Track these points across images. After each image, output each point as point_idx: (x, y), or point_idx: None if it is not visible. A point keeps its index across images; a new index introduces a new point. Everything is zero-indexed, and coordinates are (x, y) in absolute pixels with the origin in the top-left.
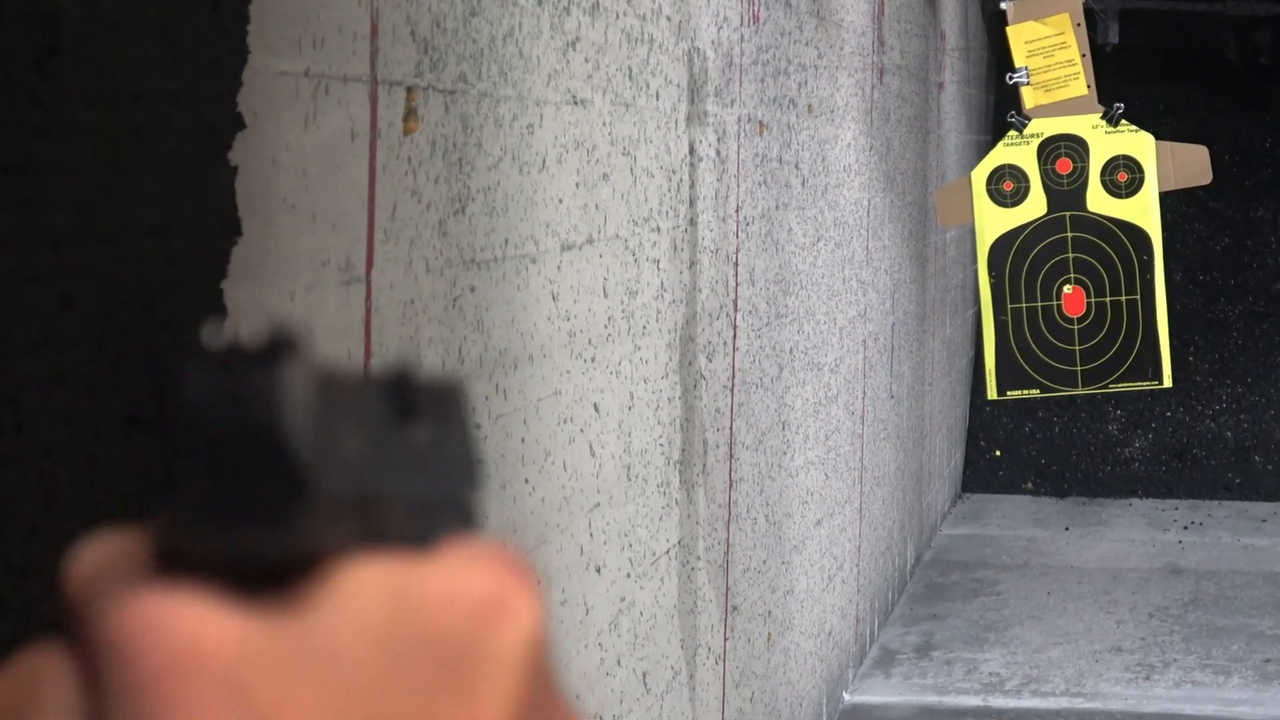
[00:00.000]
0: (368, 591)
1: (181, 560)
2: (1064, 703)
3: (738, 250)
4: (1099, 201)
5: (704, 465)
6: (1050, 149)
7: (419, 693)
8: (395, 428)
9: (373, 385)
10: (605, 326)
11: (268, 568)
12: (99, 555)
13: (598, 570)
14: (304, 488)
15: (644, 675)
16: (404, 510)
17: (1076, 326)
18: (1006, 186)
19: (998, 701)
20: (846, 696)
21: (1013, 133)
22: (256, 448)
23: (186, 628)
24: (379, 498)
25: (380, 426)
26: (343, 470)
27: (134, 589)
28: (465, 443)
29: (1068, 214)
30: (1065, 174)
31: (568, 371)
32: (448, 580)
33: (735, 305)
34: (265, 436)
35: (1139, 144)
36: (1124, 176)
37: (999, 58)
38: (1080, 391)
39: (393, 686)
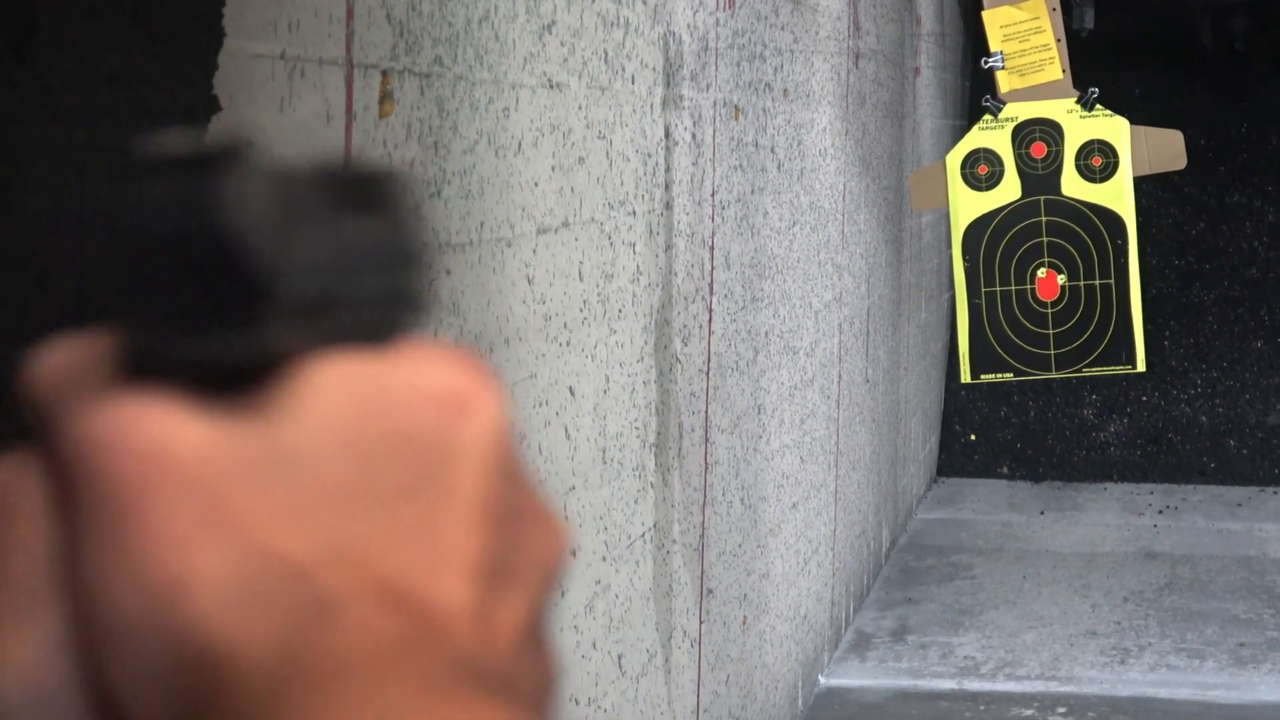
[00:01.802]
0: (333, 391)
1: (145, 366)
2: (1039, 686)
3: (713, 234)
4: (1073, 186)
5: (679, 449)
6: (1025, 133)
7: (388, 489)
8: (343, 222)
9: (319, 181)
10: (581, 310)
11: (232, 371)
12: (62, 361)
13: (573, 553)
14: (264, 290)
15: (619, 658)
16: (361, 306)
17: (1050, 310)
18: (981, 170)
19: (973, 685)
20: (822, 680)
21: (987, 117)
22: (215, 251)
23: (155, 431)
24: (336, 295)
25: (330, 222)
26: (299, 270)
27: (100, 395)
28: (410, 230)
29: (1042, 198)
30: (1040, 158)
31: (543, 355)
32: (411, 377)
33: (711, 289)
34: (222, 241)
35: (1114, 128)
36: (1098, 161)
37: (974, 42)
38: (1054, 375)
39: (362, 484)
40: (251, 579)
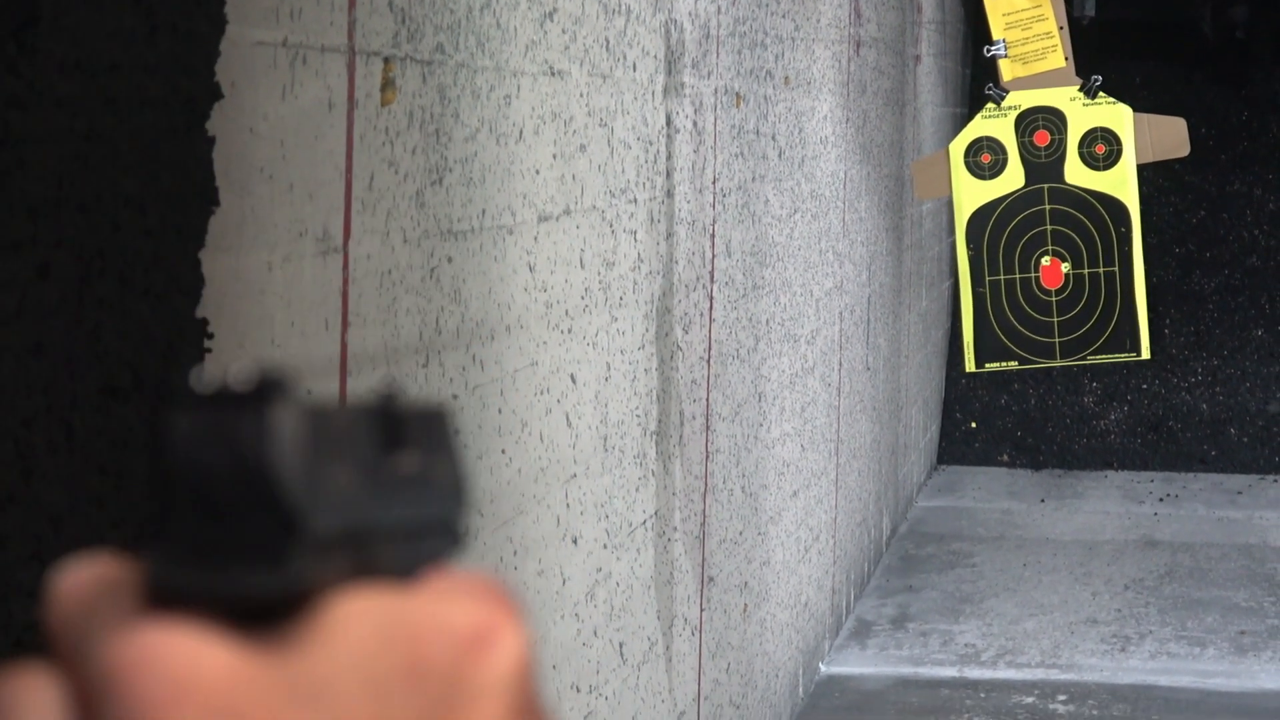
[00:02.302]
0: (356, 625)
1: (172, 596)
2: (1039, 674)
3: (714, 222)
4: (1077, 174)
5: (680, 436)
6: (1028, 121)
7: None
8: (383, 458)
9: (360, 417)
10: (582, 298)
11: (259, 604)
12: (85, 580)
13: (574, 541)
14: (295, 526)
15: (620, 646)
16: (394, 540)
17: (1054, 299)
18: (984, 159)
19: (973, 673)
20: (822, 668)
21: (990, 105)
22: (247, 488)
23: (183, 659)
24: (369, 530)
25: (369, 459)
26: (333, 505)
27: (126, 618)
28: (453, 466)
29: (1045, 186)
30: (1043, 146)
31: (544, 342)
32: (434, 612)
33: (712, 277)
34: (256, 477)
35: (1117, 116)
36: (1102, 149)
37: (975, 30)
38: (1058, 364)
39: (382, 717)
40: None
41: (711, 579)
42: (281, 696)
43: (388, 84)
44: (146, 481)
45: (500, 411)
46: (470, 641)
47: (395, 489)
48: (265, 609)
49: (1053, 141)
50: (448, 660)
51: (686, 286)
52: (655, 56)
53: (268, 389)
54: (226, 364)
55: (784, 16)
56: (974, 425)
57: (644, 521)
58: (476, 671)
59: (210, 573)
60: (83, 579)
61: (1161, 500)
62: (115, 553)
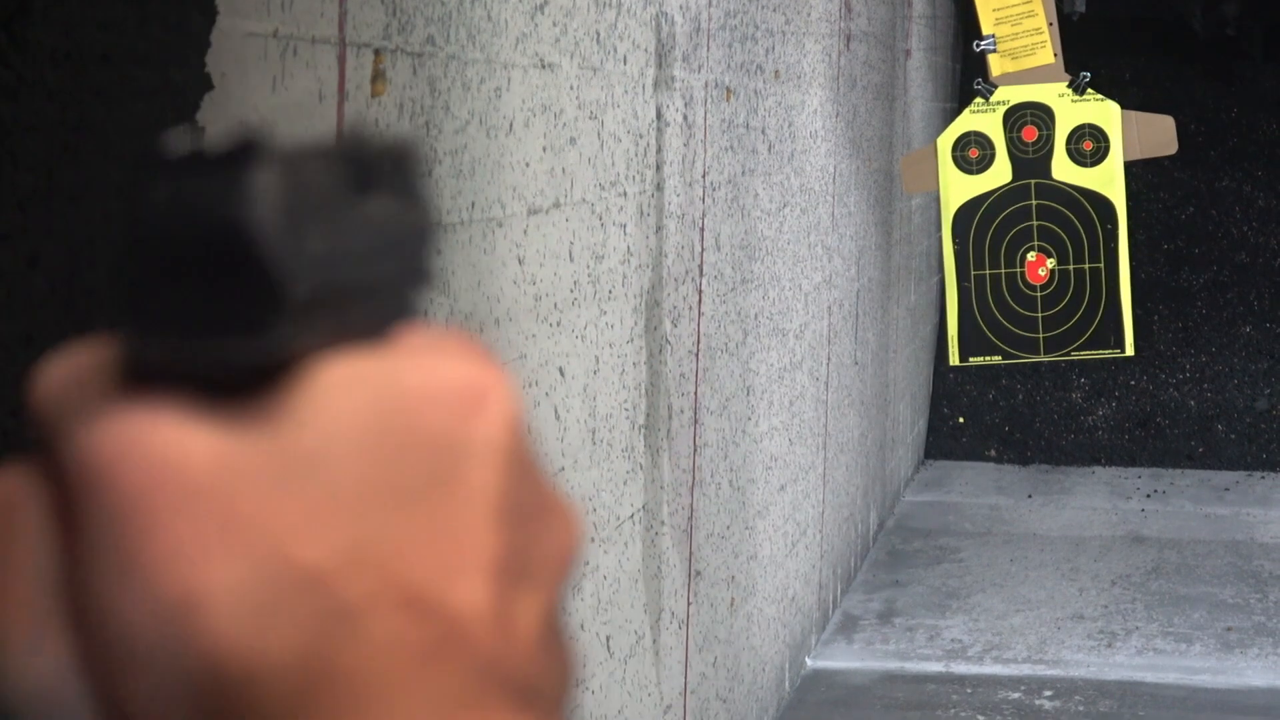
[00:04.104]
0: (344, 393)
1: (154, 373)
2: (1026, 670)
3: (704, 216)
4: (1064, 170)
5: (669, 430)
6: (1016, 117)
7: (404, 491)
8: (354, 206)
9: (329, 163)
10: (571, 291)
11: (243, 376)
12: (67, 370)
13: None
14: (277, 291)
15: (607, 639)
16: (370, 293)
17: (1039, 294)
18: (972, 154)
19: (960, 668)
20: (809, 662)
21: (979, 100)
22: (226, 254)
23: (163, 441)
24: (346, 286)
25: (341, 208)
26: (311, 266)
27: (107, 406)
28: (420, 204)
29: (1032, 182)
30: (1030, 142)
31: (533, 335)
32: (422, 373)
33: (701, 270)
34: (235, 242)
35: (1105, 113)
36: (1089, 145)
37: (965, 25)
38: (1042, 358)
39: (377, 486)
40: (267, 590)
41: (699, 573)
42: (271, 474)
43: (378, 76)
44: (122, 251)
45: None
46: (462, 401)
47: (367, 237)
48: (249, 379)
49: (1040, 137)
50: (441, 422)
51: (676, 280)
52: (646, 50)
53: (243, 151)
54: (201, 125)
55: (774, 10)
56: (962, 420)
57: (632, 515)
58: (471, 431)
59: (191, 343)
60: (65, 368)
61: (1149, 496)
62: (99, 338)
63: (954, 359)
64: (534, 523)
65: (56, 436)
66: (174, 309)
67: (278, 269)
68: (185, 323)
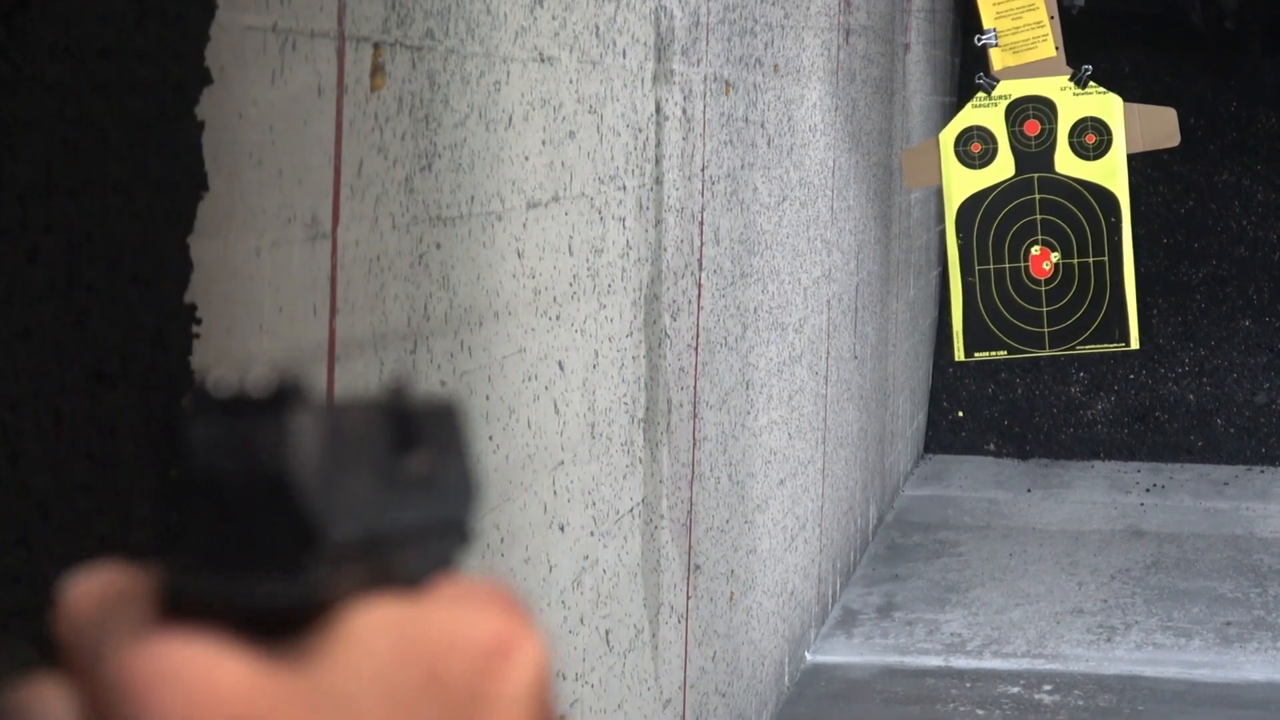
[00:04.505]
0: (375, 637)
1: (191, 604)
2: (1025, 664)
3: (703, 209)
4: (1067, 163)
5: (668, 424)
6: (1018, 111)
7: None
8: (396, 459)
9: (372, 417)
10: (570, 284)
11: (276, 615)
12: (98, 590)
13: (561, 528)
14: (314, 535)
15: (607, 633)
16: (408, 543)
17: (1044, 288)
18: (974, 148)
19: (959, 662)
20: (808, 656)
21: (981, 94)
22: (264, 497)
23: (200, 671)
24: (384, 535)
25: (382, 460)
26: (350, 512)
27: (144, 630)
28: (463, 464)
29: (1036, 176)
30: (1033, 136)
31: (533, 329)
32: (452, 623)
33: (700, 264)
34: (273, 485)
35: (1107, 106)
36: (1092, 138)
37: (965, 19)
38: (1047, 353)
39: None
40: None
41: (698, 567)
42: (300, 710)
43: (377, 69)
44: (162, 488)
45: (488, 398)
46: (489, 653)
47: (408, 491)
48: (282, 619)
49: (1043, 131)
50: (467, 672)
51: (675, 274)
52: (645, 43)
53: (285, 394)
54: (245, 369)
55: (773, 4)
56: (961, 414)
57: (631, 509)
58: (496, 683)
59: (227, 581)
60: (94, 587)
61: (1148, 491)
62: (128, 561)
63: (959, 354)
64: None
65: (88, 654)
66: (213, 544)
67: (315, 513)
68: (223, 558)
